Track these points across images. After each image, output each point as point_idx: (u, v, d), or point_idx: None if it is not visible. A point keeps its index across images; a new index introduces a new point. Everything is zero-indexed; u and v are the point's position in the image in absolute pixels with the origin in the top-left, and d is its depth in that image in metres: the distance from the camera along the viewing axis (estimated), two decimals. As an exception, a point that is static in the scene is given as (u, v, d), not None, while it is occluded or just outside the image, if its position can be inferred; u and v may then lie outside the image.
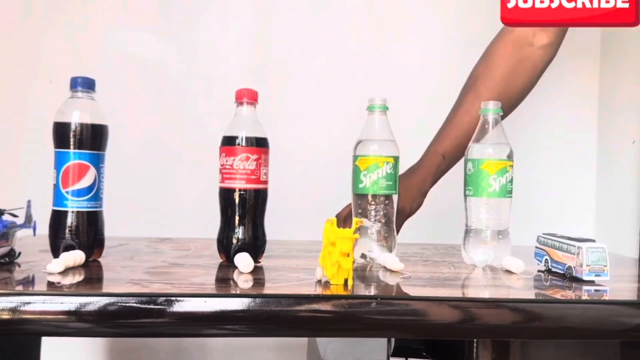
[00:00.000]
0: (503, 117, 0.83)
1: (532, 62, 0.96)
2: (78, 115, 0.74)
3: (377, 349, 0.87)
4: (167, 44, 1.20)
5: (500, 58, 0.96)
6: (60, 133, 0.74)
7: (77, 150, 0.73)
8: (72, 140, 0.73)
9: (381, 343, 0.86)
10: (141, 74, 1.19)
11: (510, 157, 0.82)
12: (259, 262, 0.79)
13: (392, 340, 0.83)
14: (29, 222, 0.76)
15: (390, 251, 0.83)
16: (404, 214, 0.94)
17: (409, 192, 0.92)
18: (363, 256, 0.81)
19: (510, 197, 0.82)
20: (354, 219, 0.67)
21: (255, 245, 0.79)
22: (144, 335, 0.62)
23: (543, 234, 0.82)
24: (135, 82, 1.19)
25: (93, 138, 0.74)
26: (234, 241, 0.78)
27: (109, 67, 1.17)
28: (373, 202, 0.83)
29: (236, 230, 0.78)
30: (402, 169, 0.86)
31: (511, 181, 0.82)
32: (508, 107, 0.91)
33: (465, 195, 0.83)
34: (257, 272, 0.74)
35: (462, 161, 0.85)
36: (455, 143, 0.93)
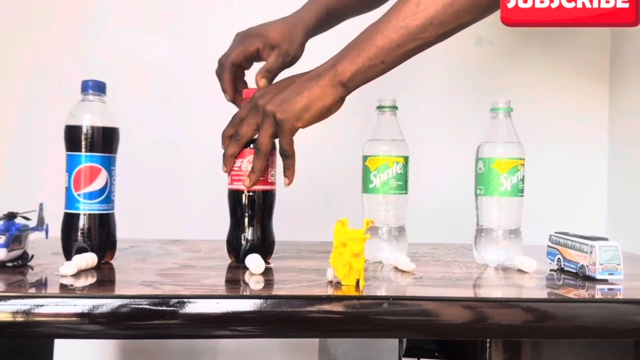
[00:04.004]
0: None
1: None
2: (89, 118, 0.74)
3: (389, 349, 0.87)
4: (176, 46, 1.21)
5: None
6: (72, 136, 0.74)
7: (88, 153, 0.74)
8: (83, 143, 0.73)
9: (393, 343, 0.85)
10: (151, 77, 1.20)
11: (521, 155, 0.81)
12: (269, 263, 0.79)
13: (404, 340, 0.82)
14: (41, 225, 0.77)
15: (401, 251, 0.83)
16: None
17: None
18: None
19: (522, 196, 0.81)
20: (365, 219, 0.67)
21: (264, 246, 0.79)
22: (156, 336, 0.62)
23: (555, 232, 0.82)
24: (144, 85, 1.20)
25: (104, 141, 0.75)
26: (243, 242, 0.78)
27: (119, 70, 1.17)
28: (383, 203, 0.83)
29: (245, 232, 0.78)
30: (409, 169, 0.86)
31: (522, 180, 0.81)
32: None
33: (476, 195, 0.83)
34: (267, 274, 0.74)
35: (472, 160, 0.84)
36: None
